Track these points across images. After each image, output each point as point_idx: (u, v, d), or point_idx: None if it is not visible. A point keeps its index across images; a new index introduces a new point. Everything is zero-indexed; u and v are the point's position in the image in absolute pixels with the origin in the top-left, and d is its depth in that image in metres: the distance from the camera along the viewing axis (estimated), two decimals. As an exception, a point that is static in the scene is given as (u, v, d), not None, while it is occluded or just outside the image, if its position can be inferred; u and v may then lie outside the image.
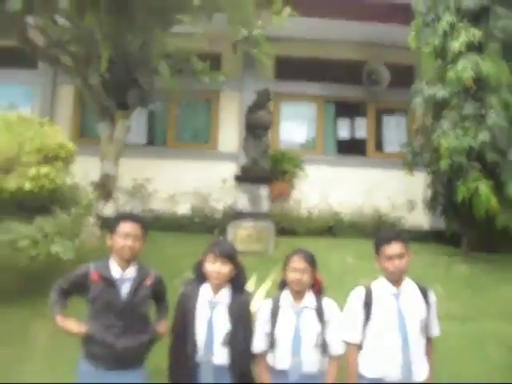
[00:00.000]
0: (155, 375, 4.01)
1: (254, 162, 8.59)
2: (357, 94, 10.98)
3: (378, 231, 7.74)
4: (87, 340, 3.68)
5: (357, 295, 3.90)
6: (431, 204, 8.64)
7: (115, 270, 3.74)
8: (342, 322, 3.91)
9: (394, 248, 3.77)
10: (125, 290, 3.71)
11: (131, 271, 3.77)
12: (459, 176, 7.62)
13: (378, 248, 3.87)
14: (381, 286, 3.87)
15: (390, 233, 4.21)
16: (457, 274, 7.68)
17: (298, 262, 3.85)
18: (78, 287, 3.74)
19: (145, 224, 3.89)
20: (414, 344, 3.72)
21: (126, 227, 3.76)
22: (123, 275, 3.74)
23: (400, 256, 3.77)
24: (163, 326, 3.99)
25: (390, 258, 3.76)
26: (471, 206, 7.48)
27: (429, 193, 8.70)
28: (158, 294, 3.98)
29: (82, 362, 3.70)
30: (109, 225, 3.98)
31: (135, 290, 3.73)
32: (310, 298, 3.91)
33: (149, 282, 3.82)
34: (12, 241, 5.69)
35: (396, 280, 3.82)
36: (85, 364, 3.68)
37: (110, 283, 3.69)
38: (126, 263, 3.76)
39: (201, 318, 3.74)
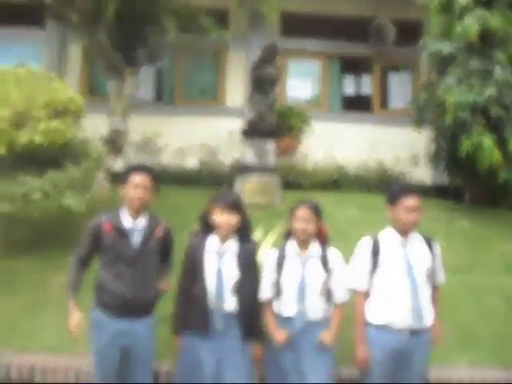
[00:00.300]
0: (162, 323, 4.15)
1: (260, 117, 8.52)
2: (363, 50, 10.86)
3: (385, 185, 7.87)
4: (99, 289, 3.81)
5: (365, 244, 3.99)
6: (434, 158, 8.65)
7: (126, 220, 3.83)
8: (350, 270, 4.01)
9: (413, 201, 3.85)
10: (136, 239, 3.80)
11: (142, 221, 3.85)
12: (463, 131, 7.59)
13: (394, 199, 3.91)
14: (388, 236, 3.96)
15: (407, 186, 4.31)
16: (459, 227, 7.71)
17: (303, 212, 3.91)
18: (95, 241, 3.82)
19: (155, 176, 3.95)
20: (422, 290, 3.82)
21: (136, 178, 3.83)
22: (134, 225, 3.82)
23: (417, 209, 3.86)
24: (166, 285, 4.09)
25: (408, 209, 3.84)
26: (474, 160, 7.49)
27: (432, 148, 8.67)
28: (166, 247, 4.04)
29: (93, 310, 3.82)
30: (119, 179, 4.06)
31: (146, 239, 3.82)
32: (315, 247, 3.98)
33: (159, 232, 3.90)
34: (25, 194, 5.72)
35: (405, 231, 3.90)
36: (96, 312, 3.80)
37: (122, 233, 3.79)
38: (136, 213, 3.84)
39: (210, 267, 3.83)
